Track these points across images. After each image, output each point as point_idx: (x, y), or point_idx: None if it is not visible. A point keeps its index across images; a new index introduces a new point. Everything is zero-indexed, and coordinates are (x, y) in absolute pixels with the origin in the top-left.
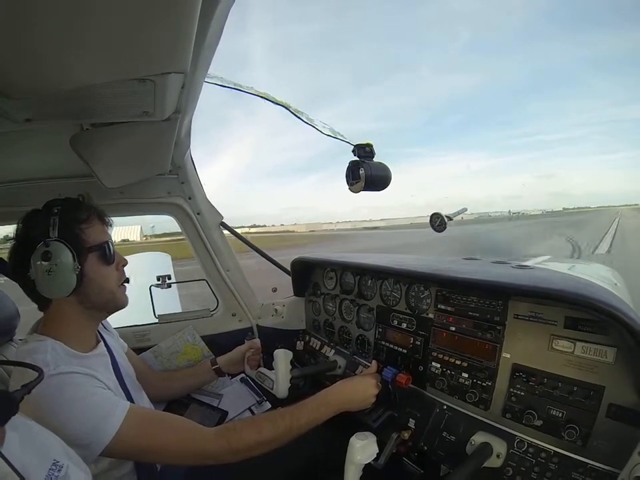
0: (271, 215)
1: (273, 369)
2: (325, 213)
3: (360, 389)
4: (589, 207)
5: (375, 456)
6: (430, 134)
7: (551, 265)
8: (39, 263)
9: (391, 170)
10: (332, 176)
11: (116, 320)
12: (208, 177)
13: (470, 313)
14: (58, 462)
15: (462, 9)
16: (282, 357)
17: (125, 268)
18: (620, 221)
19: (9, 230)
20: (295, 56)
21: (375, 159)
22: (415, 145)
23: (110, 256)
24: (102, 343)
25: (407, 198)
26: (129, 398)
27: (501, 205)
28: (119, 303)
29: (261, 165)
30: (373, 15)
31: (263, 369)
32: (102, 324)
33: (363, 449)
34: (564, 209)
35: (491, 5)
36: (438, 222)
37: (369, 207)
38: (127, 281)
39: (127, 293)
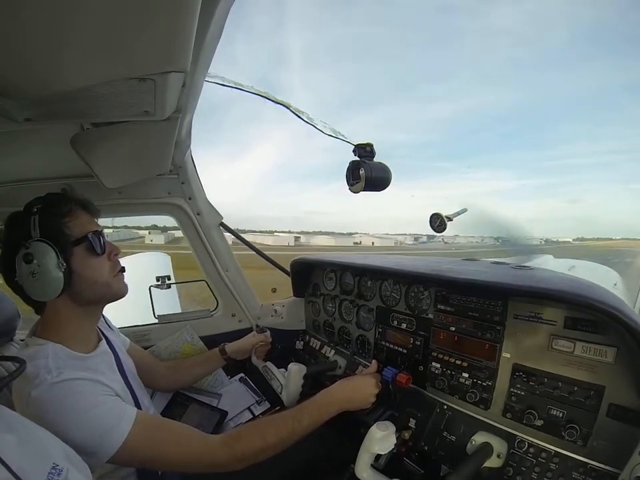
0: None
1: (280, 368)
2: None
3: (360, 388)
4: (611, 239)
5: (393, 446)
6: (459, 149)
7: (551, 266)
8: (22, 266)
9: (391, 171)
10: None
11: (116, 320)
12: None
13: (470, 313)
14: (57, 465)
15: (503, 24)
16: (297, 373)
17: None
18: None
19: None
20: (330, 59)
21: (375, 159)
22: (443, 159)
23: (99, 246)
24: (104, 340)
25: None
26: (134, 396)
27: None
28: (117, 293)
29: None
30: (412, 23)
31: (270, 365)
32: (104, 321)
33: (381, 440)
34: (576, 239)
35: (532, 22)
36: (438, 222)
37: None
38: (123, 269)
39: (125, 280)
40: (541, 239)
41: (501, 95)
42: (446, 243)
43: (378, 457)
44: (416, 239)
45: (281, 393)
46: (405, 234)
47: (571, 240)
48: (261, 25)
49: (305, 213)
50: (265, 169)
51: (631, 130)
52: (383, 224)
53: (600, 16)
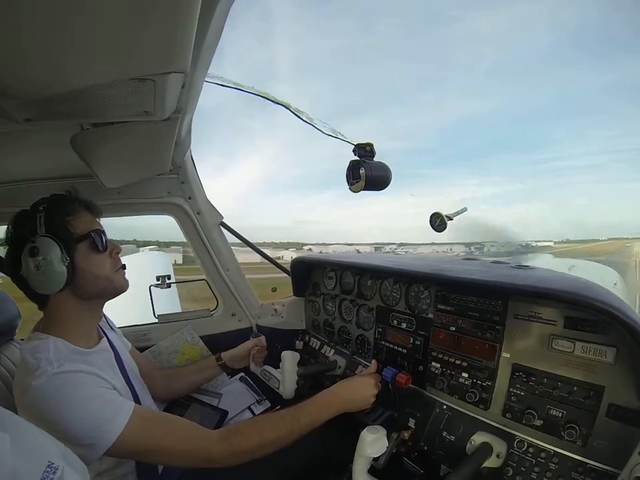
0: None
1: (278, 368)
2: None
3: (360, 389)
4: (598, 239)
5: (385, 449)
6: (448, 156)
7: (550, 265)
8: (27, 259)
9: (391, 170)
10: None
11: (116, 320)
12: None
13: (470, 313)
14: (53, 464)
15: (488, 31)
16: (289, 358)
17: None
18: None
19: None
20: (318, 70)
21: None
22: (433, 166)
23: (101, 243)
24: (105, 338)
25: (422, 221)
26: (134, 394)
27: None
28: (118, 288)
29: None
30: (399, 34)
31: (268, 367)
32: (105, 321)
33: (373, 443)
34: (559, 241)
35: (516, 28)
36: (438, 222)
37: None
38: (124, 267)
39: (126, 277)
40: (519, 244)
41: (489, 102)
42: (406, 252)
43: (376, 458)
44: (374, 250)
45: (278, 389)
46: (376, 243)
47: (552, 244)
48: (248, 39)
49: (295, 222)
50: (255, 178)
51: (618, 130)
52: (373, 232)
53: (585, 22)
